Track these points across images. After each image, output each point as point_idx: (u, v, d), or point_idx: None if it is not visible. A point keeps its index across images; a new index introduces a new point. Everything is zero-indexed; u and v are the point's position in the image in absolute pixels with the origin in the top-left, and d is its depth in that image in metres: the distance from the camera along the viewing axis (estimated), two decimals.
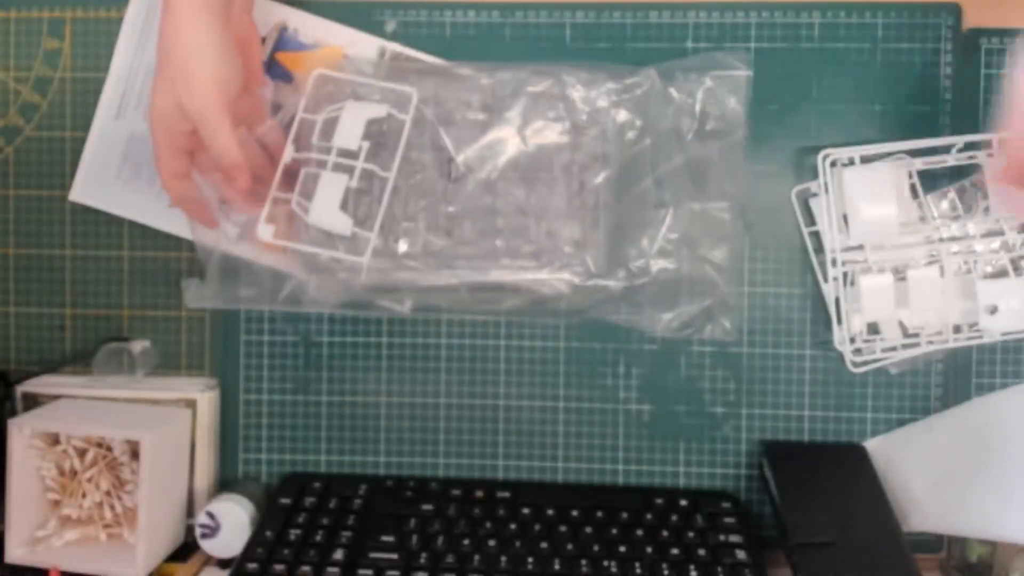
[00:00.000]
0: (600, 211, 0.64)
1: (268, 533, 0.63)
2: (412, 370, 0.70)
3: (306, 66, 0.68)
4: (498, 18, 0.70)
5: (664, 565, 0.61)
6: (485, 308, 0.67)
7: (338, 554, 0.61)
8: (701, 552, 0.62)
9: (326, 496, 0.67)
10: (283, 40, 0.69)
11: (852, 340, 0.66)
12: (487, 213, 0.64)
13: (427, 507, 0.65)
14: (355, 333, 0.70)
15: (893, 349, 0.66)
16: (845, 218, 0.65)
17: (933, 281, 0.65)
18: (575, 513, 0.65)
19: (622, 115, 0.65)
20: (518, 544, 0.62)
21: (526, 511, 0.65)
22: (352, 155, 0.62)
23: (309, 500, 0.66)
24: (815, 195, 0.67)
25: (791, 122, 0.68)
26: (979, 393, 0.67)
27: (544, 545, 0.62)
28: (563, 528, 0.64)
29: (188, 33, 0.57)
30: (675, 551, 0.62)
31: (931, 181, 0.67)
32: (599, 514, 0.65)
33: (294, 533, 0.63)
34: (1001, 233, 0.66)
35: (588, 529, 0.64)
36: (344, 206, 0.61)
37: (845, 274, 0.66)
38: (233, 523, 0.65)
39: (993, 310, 0.65)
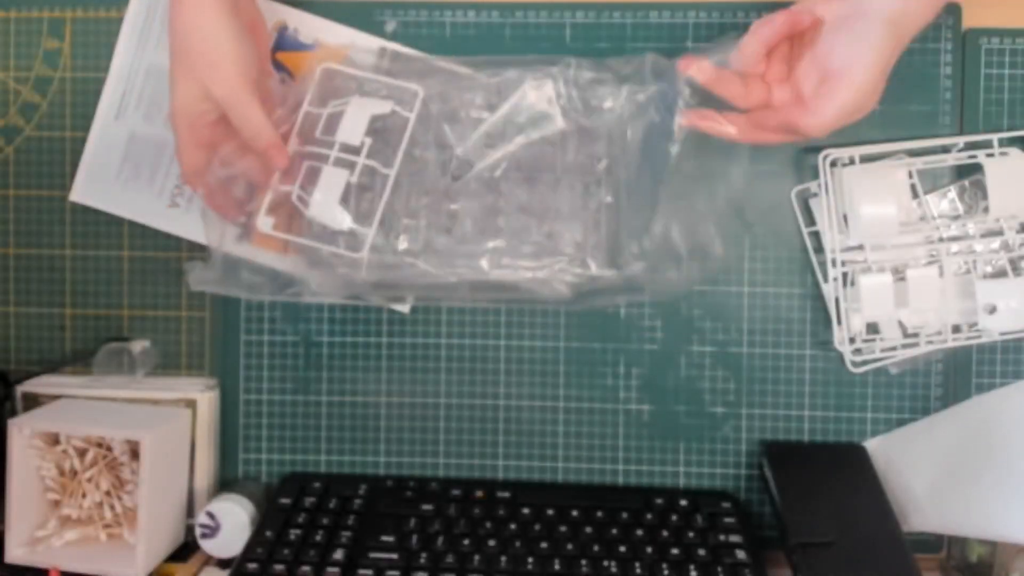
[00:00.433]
0: (602, 212, 0.64)
1: (268, 533, 0.63)
2: (412, 370, 0.70)
3: (306, 66, 0.68)
4: (498, 18, 0.70)
5: (664, 565, 0.61)
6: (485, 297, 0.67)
7: (338, 554, 0.61)
8: (701, 552, 0.62)
9: (326, 496, 0.67)
10: (283, 40, 0.69)
11: (852, 340, 0.66)
12: (489, 212, 0.64)
13: (427, 507, 0.65)
14: (355, 333, 0.70)
15: (893, 349, 0.66)
16: (845, 218, 0.65)
17: (933, 281, 0.65)
18: (575, 513, 0.65)
19: (626, 116, 0.64)
20: (518, 544, 0.62)
21: (526, 511, 0.65)
22: (354, 151, 0.62)
23: (309, 500, 0.66)
24: (815, 195, 0.67)
25: None
26: (979, 393, 0.67)
27: (544, 545, 0.62)
28: (563, 528, 0.64)
29: (203, 22, 0.57)
30: (675, 551, 0.62)
31: (931, 181, 0.67)
32: (599, 514, 0.65)
33: (294, 533, 0.63)
34: (1001, 233, 0.66)
35: (588, 529, 0.64)
36: (345, 201, 0.61)
37: (845, 274, 0.66)
38: (233, 523, 0.65)
39: (992, 310, 0.65)
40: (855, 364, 0.66)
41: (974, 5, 0.68)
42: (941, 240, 0.66)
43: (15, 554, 0.64)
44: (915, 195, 0.67)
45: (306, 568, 0.60)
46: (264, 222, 0.62)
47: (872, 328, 0.67)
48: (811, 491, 0.64)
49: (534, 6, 0.70)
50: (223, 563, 0.66)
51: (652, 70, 0.63)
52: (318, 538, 0.63)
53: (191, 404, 0.69)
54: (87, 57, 0.71)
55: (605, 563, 0.61)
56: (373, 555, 0.61)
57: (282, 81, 0.66)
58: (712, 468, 0.69)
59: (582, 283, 0.64)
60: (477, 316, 0.70)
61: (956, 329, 0.66)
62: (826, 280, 0.66)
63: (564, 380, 0.70)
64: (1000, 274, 0.66)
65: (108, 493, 0.66)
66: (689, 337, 0.69)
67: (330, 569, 0.60)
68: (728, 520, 0.65)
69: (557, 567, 0.60)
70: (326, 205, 0.61)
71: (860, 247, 0.66)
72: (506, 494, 0.67)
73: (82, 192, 0.71)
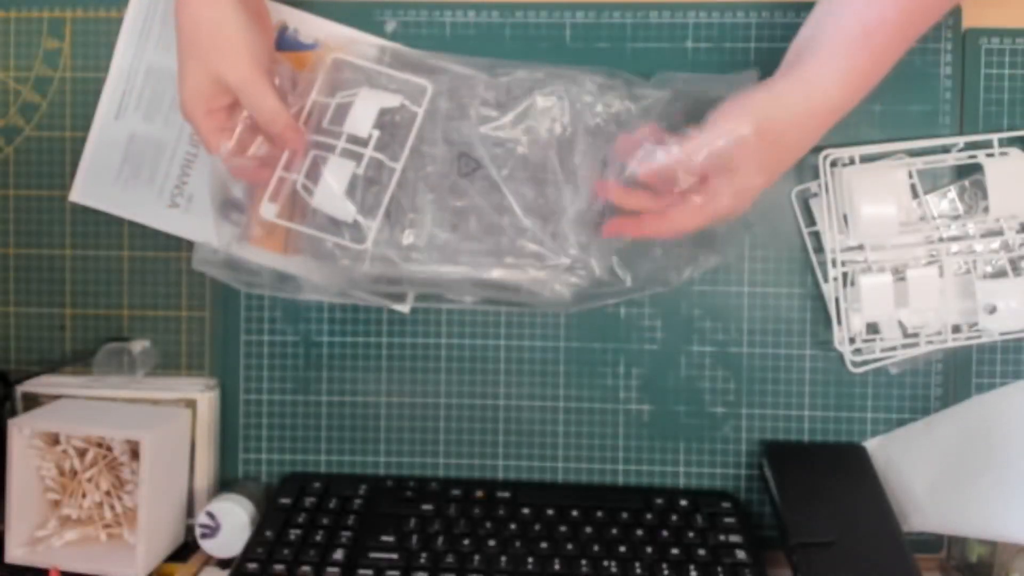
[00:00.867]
0: (607, 217, 0.63)
1: (268, 533, 0.63)
2: (412, 370, 0.70)
3: (306, 66, 0.68)
4: (498, 18, 0.70)
5: (664, 565, 0.61)
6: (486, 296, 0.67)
7: (338, 554, 0.61)
8: (701, 552, 0.62)
9: (326, 496, 0.67)
10: (283, 40, 0.69)
11: (852, 340, 0.66)
12: (494, 210, 0.64)
13: (427, 507, 0.65)
14: (355, 333, 0.70)
15: (893, 349, 0.66)
16: (845, 218, 0.65)
17: (933, 281, 0.65)
18: (575, 513, 0.65)
19: (634, 122, 0.64)
20: (518, 544, 0.62)
21: (526, 511, 0.65)
22: (361, 142, 0.61)
23: (309, 500, 0.66)
24: (815, 195, 0.67)
25: None
26: (979, 393, 0.67)
27: (544, 545, 0.62)
28: (563, 528, 0.64)
29: (212, 12, 0.58)
30: (675, 551, 0.62)
31: (931, 181, 0.67)
32: (599, 514, 0.65)
33: (294, 533, 0.63)
34: (1001, 233, 0.66)
35: (588, 529, 0.64)
36: (351, 193, 0.61)
37: (845, 274, 0.66)
38: (233, 523, 0.65)
39: (992, 310, 0.65)
40: (855, 364, 0.66)
41: (974, 5, 0.68)
42: (941, 240, 0.66)
43: (15, 554, 0.64)
44: (915, 195, 0.67)
45: (306, 568, 0.60)
46: (268, 208, 0.61)
47: (872, 328, 0.67)
48: (811, 491, 0.64)
49: (534, 6, 0.70)
50: (223, 563, 0.66)
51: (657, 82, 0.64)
52: (318, 538, 0.63)
53: (191, 404, 0.69)
54: (87, 57, 0.71)
55: (605, 563, 0.61)
56: (373, 555, 0.61)
57: (286, 70, 0.66)
58: (712, 468, 0.69)
59: (584, 285, 0.64)
60: (477, 316, 0.70)
61: (956, 329, 0.66)
62: (826, 280, 0.66)
63: (564, 380, 0.70)
64: (1000, 274, 0.66)
65: (108, 493, 0.66)
66: (689, 337, 0.69)
67: (330, 569, 0.60)
68: (728, 520, 0.65)
69: (557, 567, 0.60)
70: (331, 195, 0.61)
71: (860, 247, 0.66)
72: (506, 494, 0.67)
73: (82, 192, 0.71)
